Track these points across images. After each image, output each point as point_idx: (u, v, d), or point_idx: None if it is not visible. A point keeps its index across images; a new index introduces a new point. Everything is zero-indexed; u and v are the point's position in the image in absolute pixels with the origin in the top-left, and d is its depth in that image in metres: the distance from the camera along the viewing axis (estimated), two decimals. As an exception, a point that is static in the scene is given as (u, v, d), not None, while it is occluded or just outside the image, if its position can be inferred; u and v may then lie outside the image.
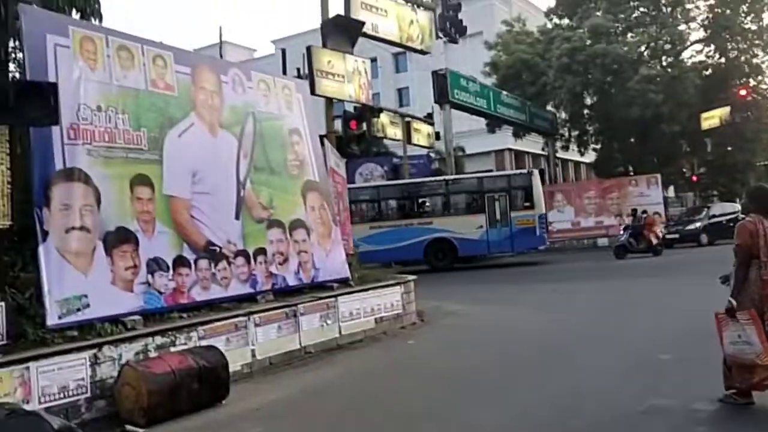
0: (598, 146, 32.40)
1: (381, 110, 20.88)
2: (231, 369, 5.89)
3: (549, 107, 30.86)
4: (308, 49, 12.31)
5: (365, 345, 8.09)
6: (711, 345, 4.73)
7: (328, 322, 7.86)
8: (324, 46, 12.28)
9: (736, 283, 4.47)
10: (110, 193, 6.17)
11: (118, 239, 6.11)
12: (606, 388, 5.25)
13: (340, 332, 8.02)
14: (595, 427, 4.39)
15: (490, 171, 30.09)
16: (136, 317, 5.95)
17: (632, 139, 30.23)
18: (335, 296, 8.14)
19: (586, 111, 30.20)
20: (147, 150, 6.65)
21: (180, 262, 6.63)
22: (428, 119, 26.54)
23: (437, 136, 26.02)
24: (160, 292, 6.36)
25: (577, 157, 37.55)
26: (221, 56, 26.69)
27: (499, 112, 27.47)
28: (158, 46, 7.40)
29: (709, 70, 29.38)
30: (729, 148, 29.63)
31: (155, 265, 6.37)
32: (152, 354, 5.70)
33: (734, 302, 4.40)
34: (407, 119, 25.17)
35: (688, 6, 28.39)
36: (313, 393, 5.92)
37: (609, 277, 14.11)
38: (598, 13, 26.61)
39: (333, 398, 5.73)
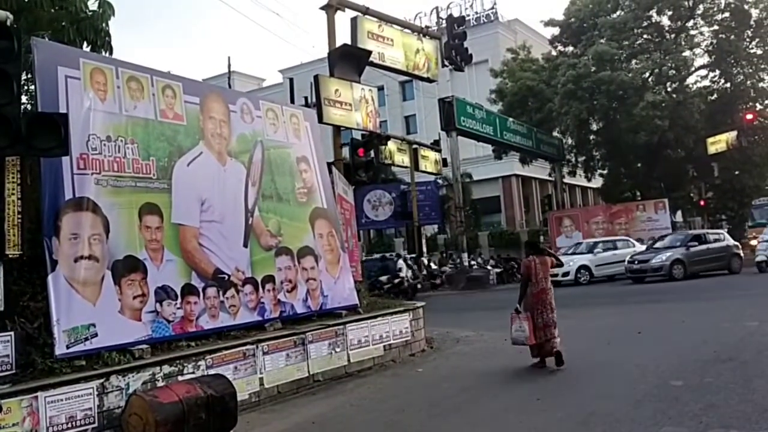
0: (605, 171, 32.44)
1: (388, 137, 21.00)
2: (239, 398, 5.85)
3: (555, 133, 31.00)
4: (316, 78, 12.42)
5: (374, 373, 8.02)
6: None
7: (337, 350, 7.81)
8: (331, 75, 12.39)
9: (520, 295, 7.75)
10: (119, 222, 6.19)
11: (127, 268, 6.12)
12: (617, 415, 5.17)
13: (348, 360, 7.95)
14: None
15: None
16: (144, 346, 5.93)
17: (639, 164, 30.29)
18: (344, 323, 8.09)
19: (592, 137, 30.31)
20: (156, 179, 6.70)
21: (188, 290, 6.62)
22: (435, 146, 26.69)
23: (444, 162, 26.14)
24: (169, 321, 6.34)
25: (585, 183, 37.57)
26: (230, 86, 27.04)
27: (506, 138, 27.61)
28: (167, 76, 7.50)
29: (715, 95, 29.50)
30: (737, 172, 29.59)
31: (163, 293, 6.36)
32: (160, 383, 5.67)
33: (519, 307, 7.62)
34: (414, 146, 25.32)
35: (692, 32, 28.62)
36: (322, 422, 5.85)
37: (621, 302, 13.99)
38: (602, 41, 26.82)
39: (341, 428, 5.66)
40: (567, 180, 35.06)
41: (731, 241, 19.78)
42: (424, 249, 27.25)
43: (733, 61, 28.07)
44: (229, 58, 70.60)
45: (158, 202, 6.64)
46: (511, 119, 28.34)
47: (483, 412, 5.79)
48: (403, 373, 8.00)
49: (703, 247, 18.81)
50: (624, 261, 19.47)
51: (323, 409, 6.37)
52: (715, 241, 19.50)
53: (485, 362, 8.43)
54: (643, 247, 20.77)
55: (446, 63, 17.57)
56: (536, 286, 7.59)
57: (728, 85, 28.97)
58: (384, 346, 8.63)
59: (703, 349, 7.54)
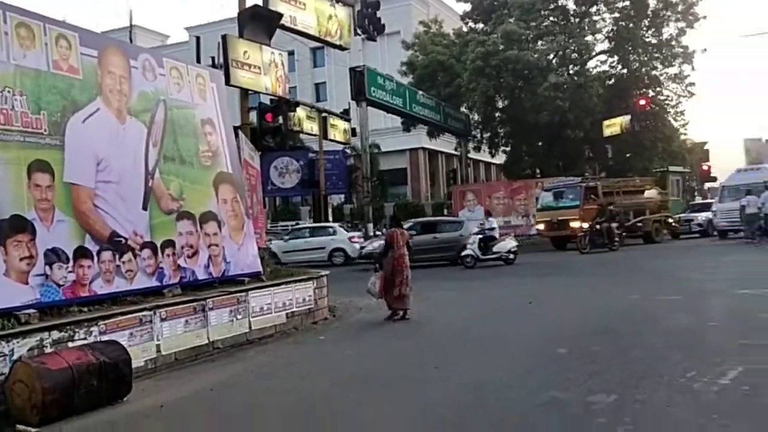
0: (508, 148, 33.51)
1: (297, 104, 20.67)
2: (134, 365, 5.69)
3: (463, 108, 31.63)
4: (224, 38, 11.96)
5: (276, 340, 8.02)
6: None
7: (239, 317, 7.73)
8: (240, 36, 11.98)
9: (381, 256, 9.64)
10: (5, 179, 5.80)
11: (13, 228, 5.75)
12: (508, 382, 5.45)
13: (250, 327, 7.89)
14: (493, 420, 4.54)
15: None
16: (31, 311, 5.63)
17: (540, 143, 31.48)
18: (246, 291, 8.01)
19: (497, 114, 31.15)
20: (47, 134, 6.28)
21: (81, 253, 6.32)
22: (345, 115, 26.57)
23: (353, 132, 26.10)
24: (59, 285, 6.04)
25: (489, 159, 38.71)
26: (131, 41, 25.62)
27: (415, 111, 27.89)
28: (62, 25, 7.01)
29: (612, 80, 31.06)
30: (628, 155, 31.43)
31: (54, 256, 6.03)
32: (48, 349, 5.41)
33: (378, 266, 9.52)
34: (324, 114, 25.10)
35: (595, 18, 29.90)
36: (221, 389, 5.80)
37: (516, 275, 14.67)
38: (511, 20, 27.47)
39: (238, 395, 5.64)
40: (472, 155, 35.99)
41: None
42: (330, 219, 27.26)
43: (630, 48, 29.57)
44: (131, 11, 66.72)
45: (49, 159, 6.25)
46: (420, 92, 28.62)
47: (381, 380, 5.93)
48: (304, 341, 8.05)
49: (430, 237, 18.36)
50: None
51: (222, 376, 6.31)
52: (449, 230, 19.09)
53: (385, 330, 8.63)
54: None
55: (359, 32, 17.44)
56: (396, 252, 9.26)
57: (625, 70, 30.55)
58: (287, 314, 8.63)
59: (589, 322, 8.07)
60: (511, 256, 17.04)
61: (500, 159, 35.69)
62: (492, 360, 6.35)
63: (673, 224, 25.05)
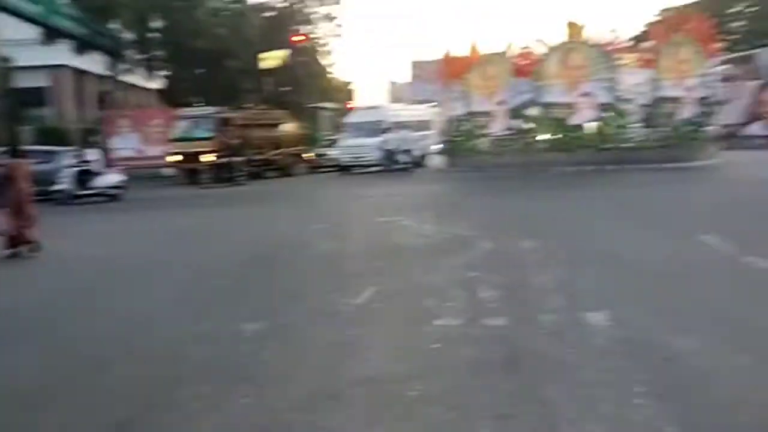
0: (168, 73, 31.79)
1: None
2: None
3: (115, 25, 28.74)
4: None
5: None
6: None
7: None
8: None
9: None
10: None
11: None
12: (157, 316, 5.26)
13: None
14: (140, 355, 4.34)
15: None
16: None
17: (201, 71, 30.57)
18: None
19: (153, 34, 29.14)
20: None
21: None
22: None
23: (-27, 39, 21.71)
24: None
25: (146, 83, 36.20)
26: None
27: (55, 22, 24.35)
28: None
29: (272, 13, 31.50)
30: (285, 89, 32.58)
31: None
32: None
33: None
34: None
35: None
36: None
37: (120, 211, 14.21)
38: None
39: None
40: (129, 78, 33.18)
41: None
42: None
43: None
44: None
45: None
46: (64, 1, 25.04)
47: (21, 316, 5.18)
48: None
49: None
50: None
51: None
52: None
53: (35, 267, 7.59)
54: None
55: None
56: (17, 185, 8.55)
57: (286, 4, 31.19)
58: None
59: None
60: (116, 191, 15.87)
61: (160, 84, 33.70)
62: (143, 295, 6.05)
63: (310, 158, 26.52)
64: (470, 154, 23.61)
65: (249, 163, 21.43)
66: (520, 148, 22.71)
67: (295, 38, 29.42)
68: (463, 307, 5.01)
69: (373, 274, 6.40)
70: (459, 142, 24.15)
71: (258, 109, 25.66)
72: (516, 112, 22.35)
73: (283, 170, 24.31)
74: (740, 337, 4.05)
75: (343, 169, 24.47)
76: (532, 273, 6.02)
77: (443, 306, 5.05)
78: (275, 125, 25.09)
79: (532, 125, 22.40)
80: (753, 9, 45.13)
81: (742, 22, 47.35)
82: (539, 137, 22.83)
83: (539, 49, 21.78)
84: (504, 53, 22.25)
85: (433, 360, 3.92)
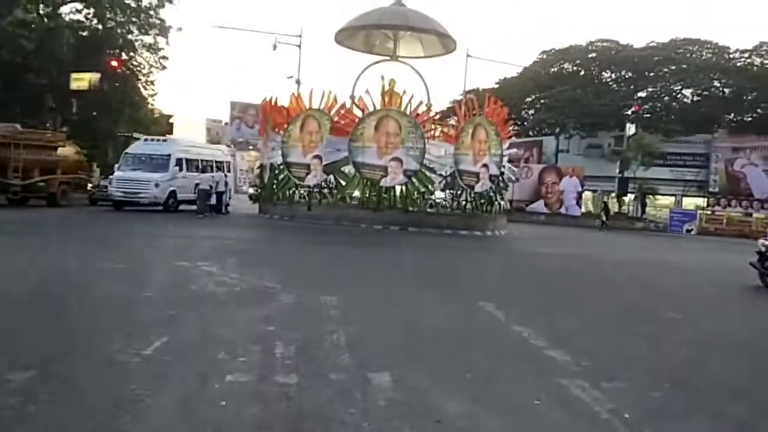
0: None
1: None
2: None
3: None
4: None
5: None
6: None
7: None
8: None
9: None
10: None
11: None
12: None
13: None
14: None
15: None
16: None
17: (-3, 82, 27.70)
18: None
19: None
20: None
21: None
22: None
23: None
24: None
25: None
26: None
27: None
28: None
29: (86, 33, 29.64)
30: (95, 113, 30.55)
31: None
32: None
33: None
34: None
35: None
36: None
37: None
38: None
39: None
40: None
41: None
42: None
43: (108, 6, 28.75)
44: None
45: None
46: None
47: None
48: None
49: None
50: None
51: None
52: None
53: None
54: None
55: None
56: None
57: (100, 26, 29.53)
58: None
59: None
60: None
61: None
62: None
63: (90, 188, 24.58)
64: (284, 203, 23.86)
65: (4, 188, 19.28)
66: (332, 203, 23.42)
67: (111, 63, 27.85)
68: (257, 362, 5.03)
69: (166, 323, 6.17)
70: (273, 190, 24.31)
71: (26, 129, 22.57)
72: (331, 168, 23.10)
73: (51, 198, 22.00)
74: (503, 402, 4.54)
75: (117, 204, 22.32)
76: (327, 330, 6.21)
77: (236, 361, 5.02)
78: (49, 148, 22.42)
79: (345, 182, 23.26)
80: (543, 101, 51.46)
81: (532, 111, 53.75)
82: (351, 194, 23.76)
83: (357, 112, 22.84)
84: (325, 110, 23.01)
85: (218, 419, 3.89)
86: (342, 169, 22.86)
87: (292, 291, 8.18)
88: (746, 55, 49.43)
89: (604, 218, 37.88)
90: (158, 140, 24.50)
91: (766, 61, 48.95)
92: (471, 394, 4.62)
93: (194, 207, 22.86)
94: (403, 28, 24.73)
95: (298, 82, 29.75)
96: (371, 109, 22.43)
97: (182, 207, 23.61)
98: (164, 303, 7.24)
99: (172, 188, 22.60)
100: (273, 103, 24.78)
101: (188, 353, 5.25)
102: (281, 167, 23.72)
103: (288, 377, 4.69)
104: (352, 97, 23.57)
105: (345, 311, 7.18)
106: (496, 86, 55.20)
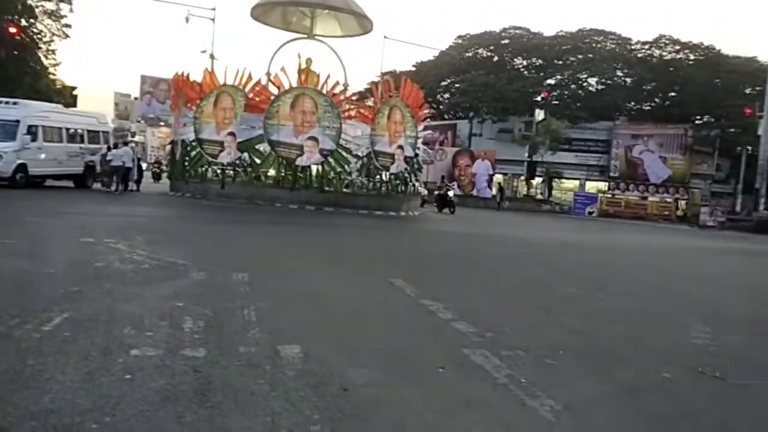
0: None
1: None
2: None
3: None
4: None
5: None
6: None
7: None
8: None
9: None
10: None
11: None
12: None
13: None
14: None
15: None
16: None
17: None
18: None
19: None
20: None
21: None
22: None
23: None
24: None
25: None
26: None
27: None
28: None
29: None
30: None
31: None
32: None
33: None
34: None
35: None
36: None
37: None
38: None
39: None
40: None
41: None
42: None
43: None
44: None
45: None
46: None
47: None
48: None
49: None
50: None
51: None
52: None
53: None
54: None
55: None
56: None
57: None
58: None
59: None
60: None
61: None
62: None
63: None
64: (196, 180, 23.29)
65: None
66: (246, 181, 23.07)
67: (10, 29, 26.09)
68: (164, 337, 4.97)
69: (68, 300, 5.96)
70: (185, 167, 23.68)
71: None
72: (245, 145, 22.72)
73: None
74: (408, 370, 4.71)
75: None
76: (238, 305, 6.19)
77: (142, 336, 4.94)
78: None
79: (259, 160, 22.95)
80: (458, 85, 52.44)
81: (448, 95, 54.71)
82: (266, 173, 23.48)
83: (273, 89, 22.54)
84: (239, 86, 22.55)
85: (122, 391, 3.83)
86: (257, 147, 22.50)
87: (203, 268, 8.07)
88: (647, 46, 52.26)
89: (499, 200, 39.63)
90: (6, 103, 20.38)
91: (664, 54, 51.94)
92: (378, 364, 4.76)
93: (63, 183, 21.51)
94: (320, 6, 24.47)
95: (212, 56, 28.97)
96: (287, 87, 22.17)
97: (51, 183, 22.08)
98: (67, 280, 6.97)
99: (20, 161, 19.37)
100: (186, 77, 24.01)
101: (92, 329, 5.11)
102: (194, 144, 23.07)
103: (196, 351, 4.67)
104: (268, 75, 23.20)
105: (257, 287, 7.17)
106: (413, 69, 55.82)
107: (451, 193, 28.43)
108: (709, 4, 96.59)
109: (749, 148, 44.80)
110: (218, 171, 23.30)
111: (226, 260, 9.18)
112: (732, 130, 47.09)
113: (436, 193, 28.94)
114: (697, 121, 49.76)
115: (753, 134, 42.24)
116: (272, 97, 22.22)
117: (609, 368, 5.17)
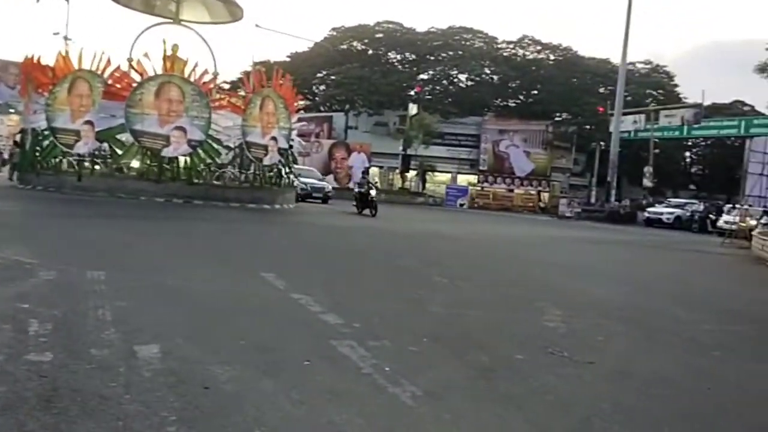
0: None
1: None
2: None
3: None
4: None
5: None
6: None
7: None
8: None
9: None
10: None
11: None
12: None
13: None
14: None
15: None
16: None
17: None
18: None
19: None
20: None
21: None
22: None
23: None
24: None
25: None
26: None
27: None
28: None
29: None
30: None
31: None
32: None
33: None
34: None
35: None
36: None
37: None
38: None
39: None
40: None
41: None
42: None
43: None
44: None
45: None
46: None
47: None
48: None
49: None
50: None
51: None
52: None
53: None
54: None
55: None
56: None
57: None
58: None
59: None
60: None
61: None
62: None
63: None
64: (49, 172, 21.63)
65: None
66: (107, 173, 21.77)
67: None
68: (6, 342, 4.56)
69: None
70: (36, 157, 21.95)
71: None
72: (105, 135, 21.43)
73: None
74: (273, 364, 4.65)
75: None
76: (92, 305, 5.82)
77: (-22, 342, 4.51)
78: None
79: (121, 151, 21.75)
80: (333, 77, 52.53)
81: (323, 87, 54.68)
82: (129, 164, 22.31)
83: (135, 76, 21.41)
84: (97, 72, 21.19)
85: (-50, 404, 3.48)
86: (118, 136, 21.24)
87: (53, 266, 7.50)
88: (511, 46, 55.06)
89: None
90: None
91: (527, 53, 54.98)
92: (243, 360, 4.66)
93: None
94: (186, -10, 23.50)
95: (66, 39, 26.93)
96: (151, 74, 21.11)
97: None
98: None
99: None
100: (36, 61, 22.15)
101: None
102: (46, 133, 21.37)
103: (42, 355, 4.33)
104: (130, 60, 21.95)
105: (114, 286, 6.78)
106: (288, 60, 55.17)
107: (373, 192, 24.24)
108: (568, 6, 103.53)
109: (602, 143, 48.54)
110: (74, 162, 21.75)
111: (81, 258, 8.59)
112: (588, 126, 50.77)
113: (356, 191, 25.03)
114: (557, 118, 53.14)
115: (605, 131, 45.77)
116: (134, 85, 21.08)
117: (468, 353, 5.39)
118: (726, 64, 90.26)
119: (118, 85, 21.21)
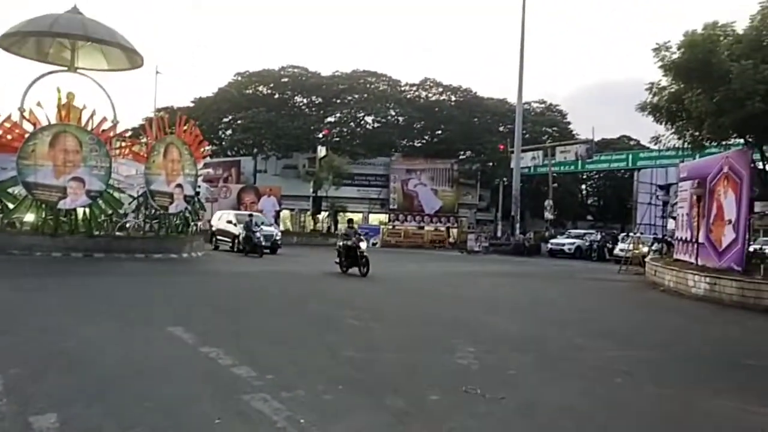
0: None
1: None
2: None
3: None
4: None
5: None
6: None
7: None
8: None
9: None
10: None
11: None
12: None
13: None
14: None
15: None
16: None
17: None
18: None
19: None
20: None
21: None
22: None
23: None
24: None
25: None
26: None
27: None
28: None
29: None
30: None
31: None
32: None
33: None
34: None
35: None
36: None
37: None
38: None
39: None
40: None
41: None
42: None
43: None
44: None
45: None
46: None
47: None
48: None
49: None
50: None
51: None
52: None
53: None
54: None
55: None
56: None
57: None
58: None
59: None
60: None
61: None
62: None
63: None
64: (-70, 231, 20.13)
65: None
66: (-2, 228, 20.49)
67: None
68: None
69: None
70: None
71: None
72: (-5, 189, 20.20)
73: None
74: (181, 427, 4.47)
75: None
76: (-20, 376, 5.41)
77: None
78: None
79: (12, 205, 20.52)
80: (239, 121, 52.05)
81: (230, 131, 54.05)
82: (22, 218, 21.07)
83: (28, 126, 20.43)
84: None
85: None
86: (9, 190, 20.04)
87: (-65, 335, 6.93)
88: (415, 88, 56.69)
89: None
90: None
91: (430, 95, 56.77)
92: (148, 424, 4.46)
93: None
94: (80, 38, 22.63)
95: (-51, 88, 25.29)
96: (45, 123, 20.18)
97: None
98: None
99: None
100: None
101: None
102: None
103: None
104: (21, 110, 20.90)
105: (5, 352, 6.34)
106: (192, 105, 54.32)
107: (363, 245, 18.33)
108: (466, 49, 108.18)
109: (505, 179, 50.46)
110: (-40, 219, 20.31)
111: (-32, 323, 7.99)
112: (490, 163, 52.68)
113: (341, 243, 18.94)
114: (461, 156, 54.84)
115: (507, 167, 47.68)
116: (27, 135, 20.06)
117: (384, 398, 5.40)
118: (612, 101, 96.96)
119: (9, 136, 20.10)
